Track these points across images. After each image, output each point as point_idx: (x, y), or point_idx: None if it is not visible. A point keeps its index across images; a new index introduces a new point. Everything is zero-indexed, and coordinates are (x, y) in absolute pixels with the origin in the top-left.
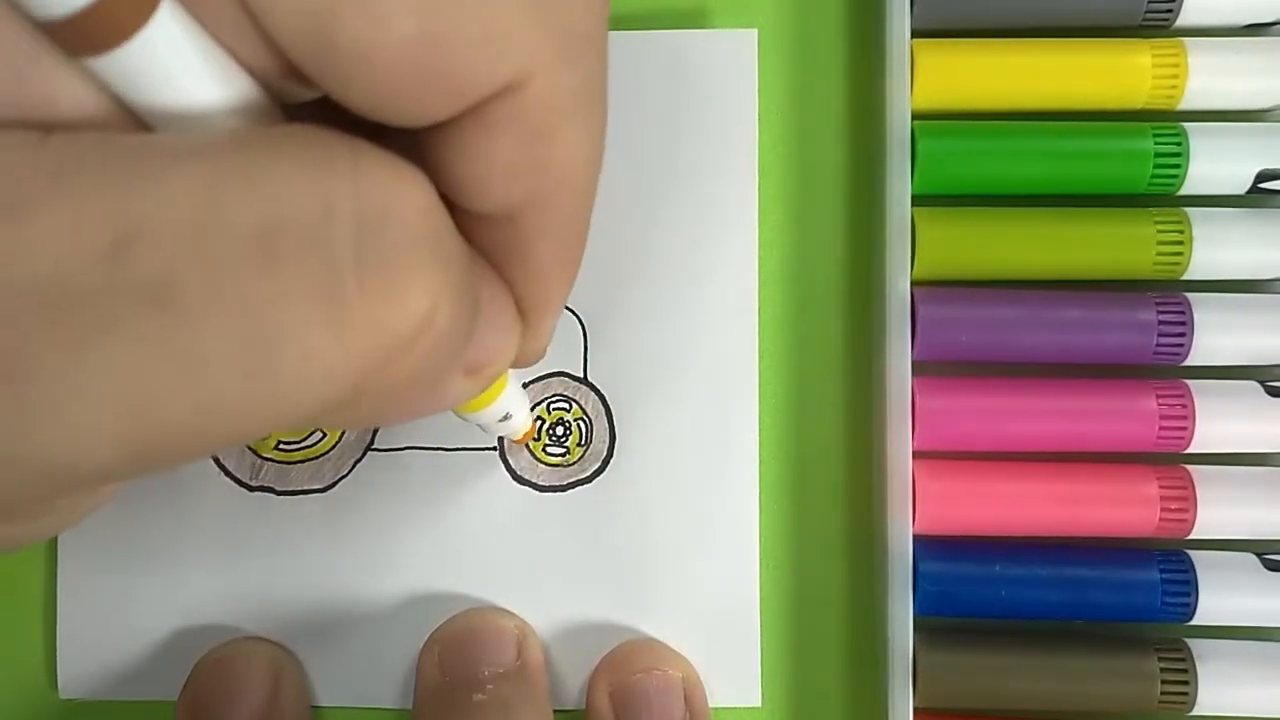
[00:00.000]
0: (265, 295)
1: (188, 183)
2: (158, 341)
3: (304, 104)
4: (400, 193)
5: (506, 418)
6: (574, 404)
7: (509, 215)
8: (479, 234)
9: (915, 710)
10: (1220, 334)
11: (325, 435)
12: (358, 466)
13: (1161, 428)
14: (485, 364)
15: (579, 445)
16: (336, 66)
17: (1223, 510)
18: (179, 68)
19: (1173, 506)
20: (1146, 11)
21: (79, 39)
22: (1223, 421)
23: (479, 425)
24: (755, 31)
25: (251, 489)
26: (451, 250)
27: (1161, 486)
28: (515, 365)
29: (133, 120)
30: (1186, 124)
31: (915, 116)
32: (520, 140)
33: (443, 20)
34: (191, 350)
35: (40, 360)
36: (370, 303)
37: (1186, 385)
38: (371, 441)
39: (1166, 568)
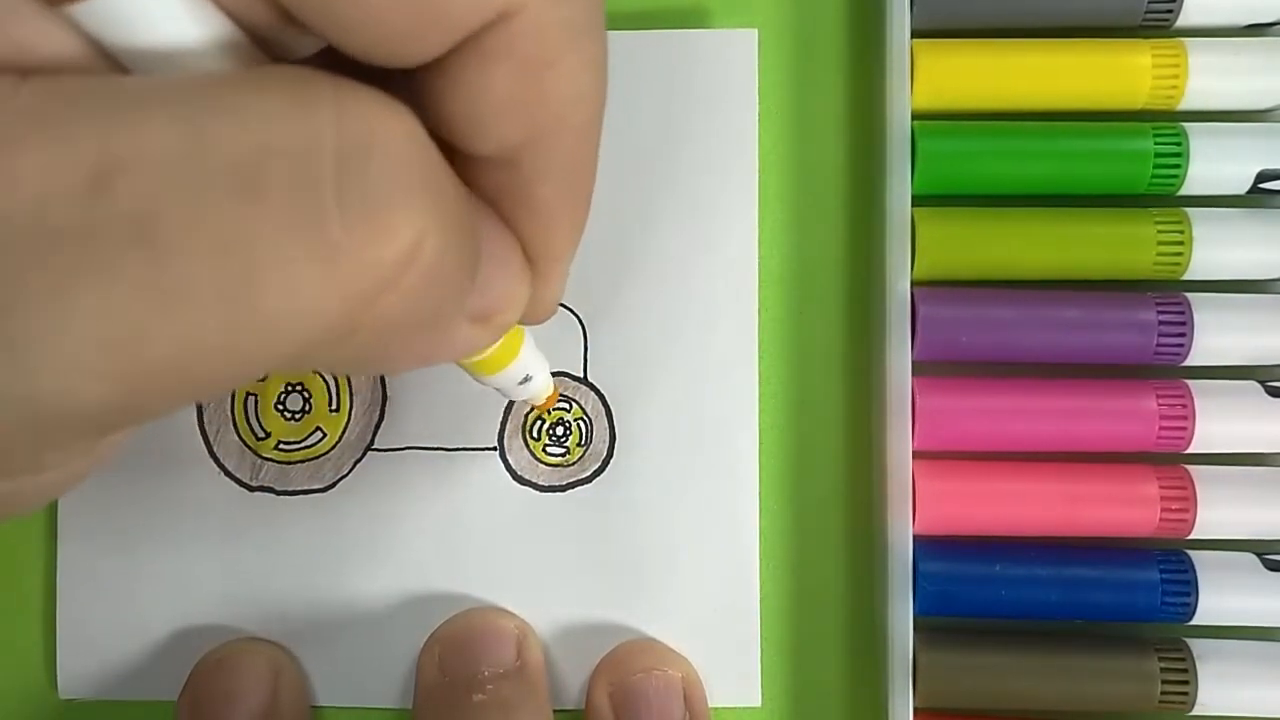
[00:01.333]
0: (247, 228)
1: (168, 118)
2: (140, 276)
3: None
4: (384, 124)
5: (527, 380)
6: (574, 404)
7: (509, 156)
8: (482, 180)
9: (915, 710)
10: (1220, 334)
11: (325, 435)
12: (358, 466)
13: (1161, 428)
14: (494, 311)
15: (579, 445)
16: (328, 5)
17: (1223, 510)
18: (160, 13)
19: (1173, 506)
20: (1146, 11)
21: None
22: (1223, 421)
23: (499, 390)
24: (755, 31)
25: (251, 489)
26: (441, 184)
27: (1161, 486)
28: (527, 321)
29: (113, 66)
30: (1186, 124)
31: (915, 116)
32: (516, 72)
33: None
34: (174, 285)
35: (23, 296)
36: (354, 233)
37: (1186, 385)
38: (371, 441)
39: (1166, 568)
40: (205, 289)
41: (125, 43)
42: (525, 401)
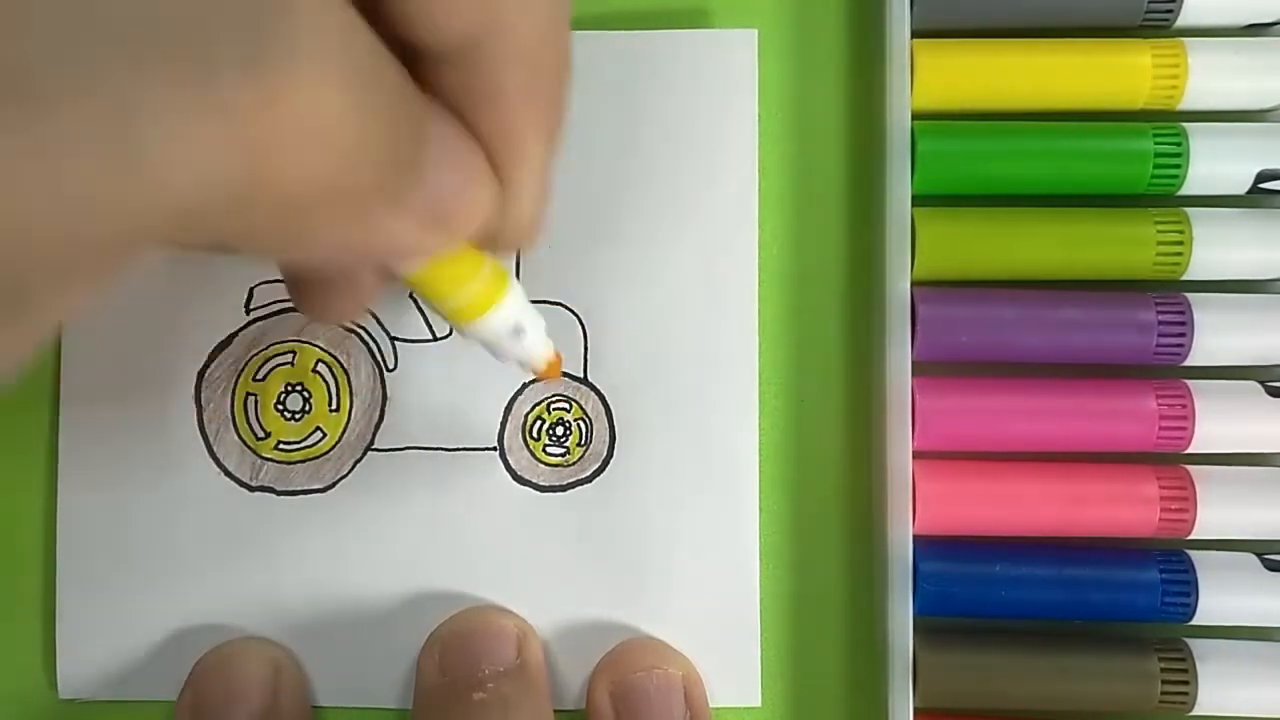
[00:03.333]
0: (127, 76)
1: None
2: (13, 125)
3: None
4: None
5: (519, 333)
6: (574, 404)
7: (469, 45)
8: (444, 80)
9: (915, 710)
10: (1220, 334)
11: (325, 435)
12: (358, 466)
13: (1161, 428)
14: (445, 212)
15: (579, 445)
16: None
17: (1223, 510)
18: None
19: (1173, 506)
20: (1146, 11)
21: None
22: (1223, 421)
23: (491, 349)
24: (755, 31)
25: (251, 489)
26: (367, 60)
27: (1161, 486)
28: (504, 245)
29: None
30: (1186, 124)
31: (915, 116)
32: None
33: None
34: (52, 138)
35: None
36: (245, 89)
37: (1186, 385)
38: (371, 441)
39: (1166, 568)
40: (86, 141)
41: None
42: (524, 368)
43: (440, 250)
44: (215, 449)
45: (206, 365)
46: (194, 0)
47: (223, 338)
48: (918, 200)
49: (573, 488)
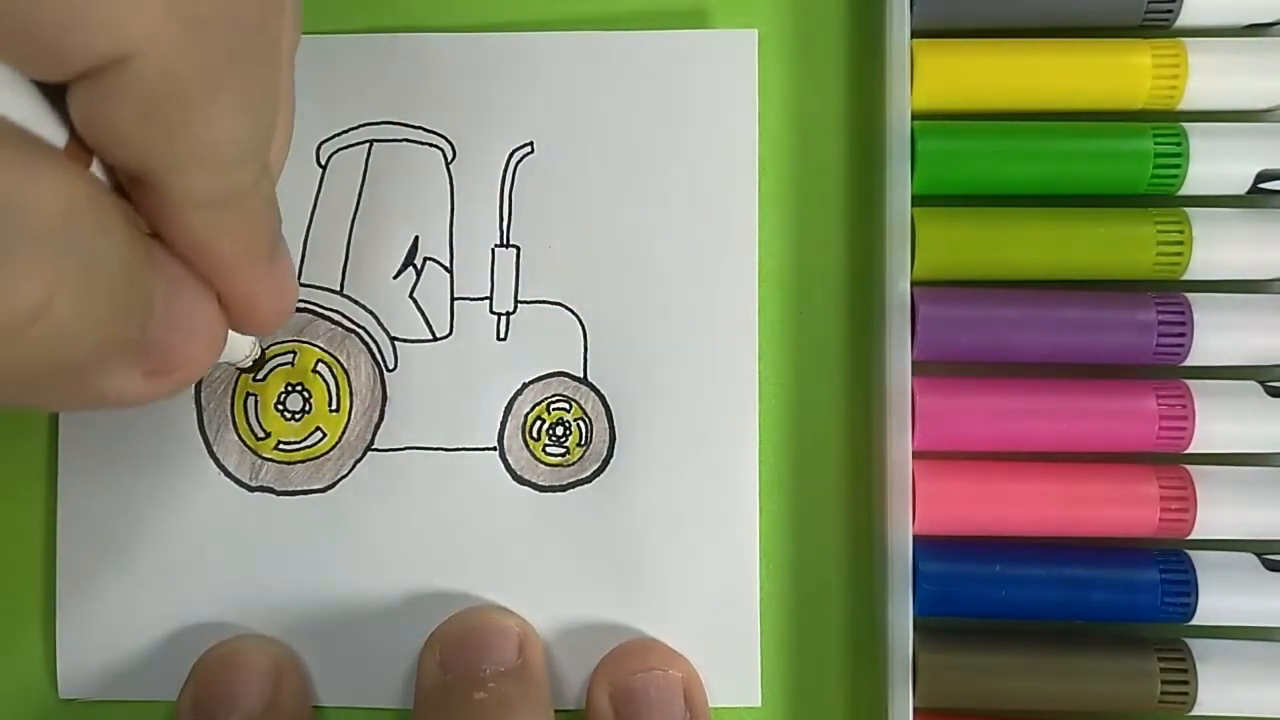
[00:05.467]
0: None
1: None
2: None
3: None
4: (32, 184)
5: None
6: (574, 404)
7: (149, 181)
8: (139, 200)
9: (915, 710)
10: (1220, 334)
11: (325, 435)
12: (358, 466)
13: (1161, 428)
14: (171, 367)
15: (579, 445)
16: None
17: (1223, 510)
18: None
19: (1173, 506)
20: (1146, 11)
21: None
22: (1223, 421)
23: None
24: (755, 31)
25: (251, 489)
26: (90, 248)
27: (1161, 486)
28: (248, 333)
29: None
30: (1186, 124)
31: (915, 116)
32: (138, 109)
33: None
34: None
35: None
36: None
37: (1186, 385)
38: (371, 441)
39: (1166, 568)
40: None
41: None
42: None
43: (172, 393)
44: (215, 449)
45: None
46: None
47: None
48: (918, 200)
49: (573, 488)
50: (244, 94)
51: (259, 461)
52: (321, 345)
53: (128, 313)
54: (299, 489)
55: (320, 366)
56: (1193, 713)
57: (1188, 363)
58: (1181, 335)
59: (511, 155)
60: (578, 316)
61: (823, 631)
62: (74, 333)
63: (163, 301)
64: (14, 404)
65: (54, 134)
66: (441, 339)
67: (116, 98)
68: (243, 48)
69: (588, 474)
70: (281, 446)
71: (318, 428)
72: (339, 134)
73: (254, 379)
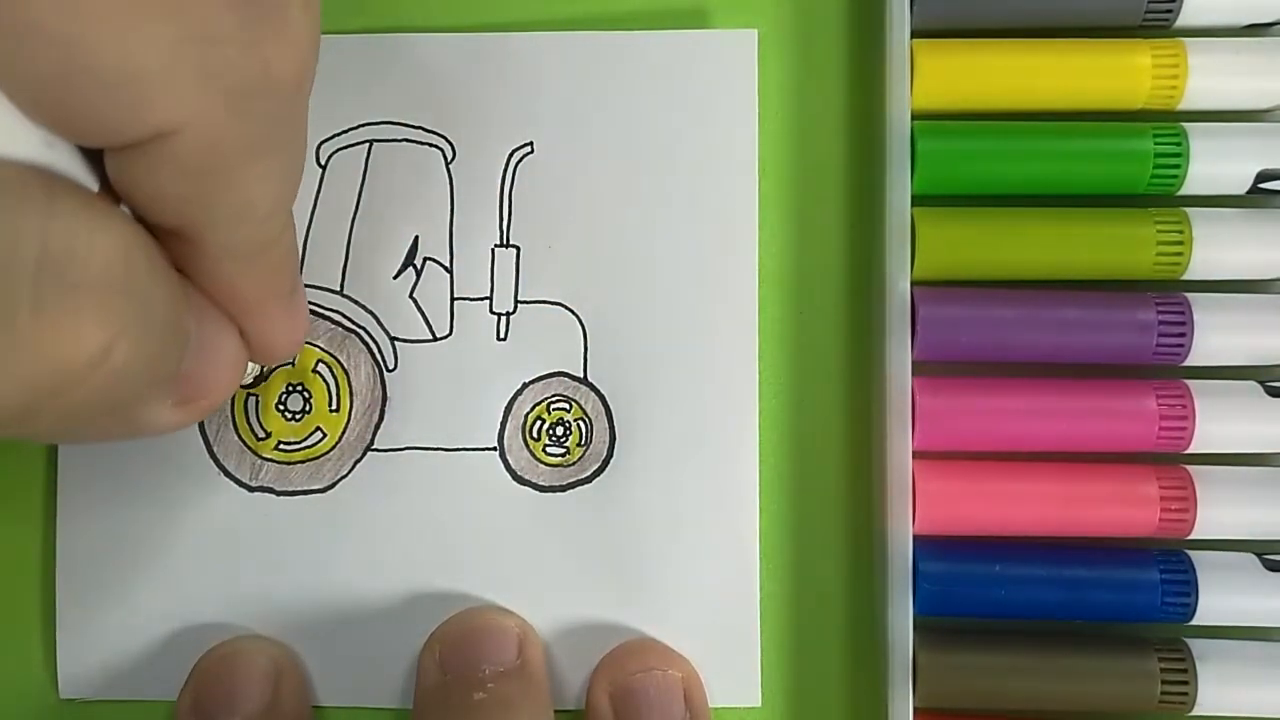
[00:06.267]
0: None
1: None
2: None
3: None
4: (89, 235)
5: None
6: (574, 404)
7: (186, 235)
8: (170, 247)
9: (915, 710)
10: (1220, 334)
11: (325, 435)
12: (358, 466)
13: (1161, 428)
14: (199, 395)
15: (579, 445)
16: (5, 85)
17: (1223, 510)
18: None
19: (1173, 506)
20: (1146, 11)
21: None
22: (1223, 421)
23: None
24: (755, 31)
25: (251, 489)
26: (144, 294)
27: (1161, 486)
28: (262, 363)
29: None
30: (1186, 124)
31: (915, 116)
32: (182, 177)
33: (81, 62)
34: None
35: None
36: (41, 335)
37: (1186, 385)
38: (371, 441)
39: (1166, 568)
40: None
41: None
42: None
43: (197, 420)
44: (215, 449)
45: None
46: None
47: None
48: (918, 200)
49: (573, 488)
50: (279, 157)
51: (259, 462)
52: (321, 345)
53: (173, 350)
54: (299, 489)
55: (320, 366)
56: (1193, 713)
57: (1188, 363)
58: (1181, 335)
59: (511, 155)
60: (578, 316)
61: (823, 631)
62: (130, 374)
63: (194, 335)
64: (61, 440)
65: (89, 183)
66: (441, 339)
67: (158, 167)
68: (278, 117)
69: (588, 474)
70: (281, 447)
71: (318, 428)
72: (339, 134)
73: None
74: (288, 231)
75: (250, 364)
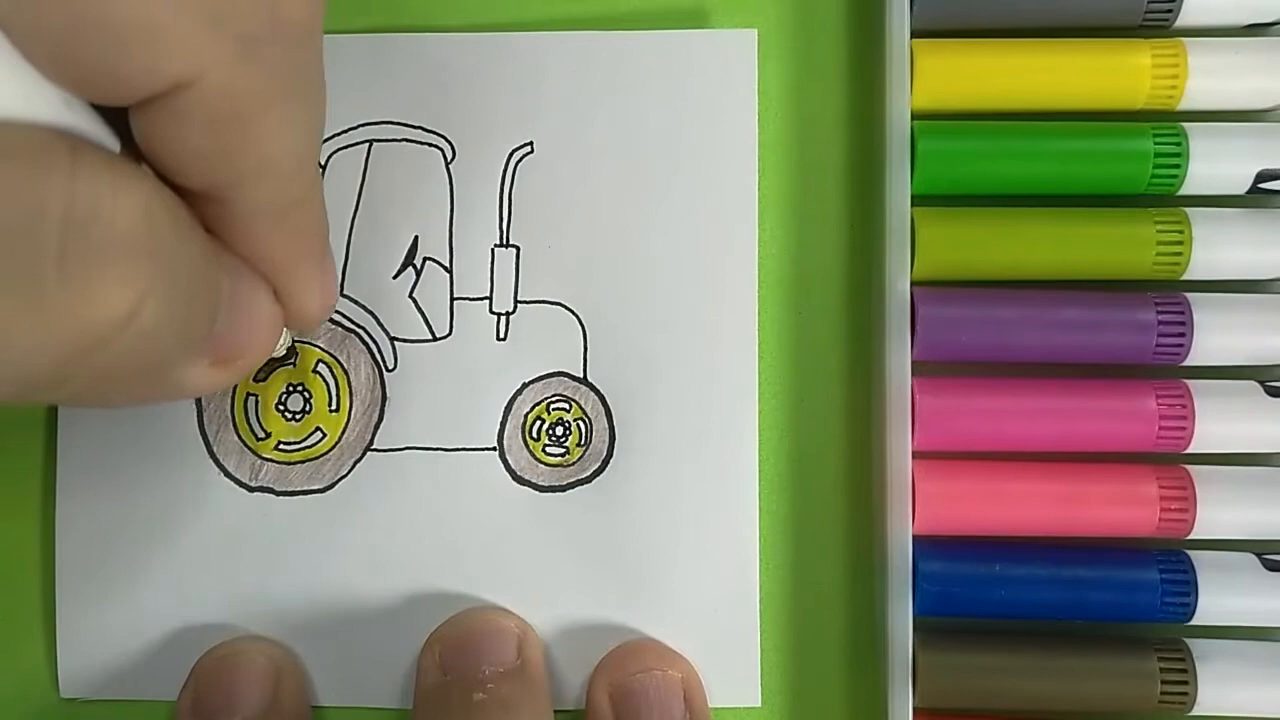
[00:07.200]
0: None
1: None
2: None
3: None
4: (113, 196)
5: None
6: (574, 404)
7: (216, 194)
8: (209, 214)
9: (915, 710)
10: (1220, 334)
11: (325, 435)
12: (357, 466)
13: (1161, 428)
14: (235, 355)
15: (579, 445)
16: (21, 45)
17: (1223, 510)
18: None
19: (1173, 506)
20: (1146, 11)
21: None
22: (1223, 421)
23: None
24: (755, 31)
25: (251, 489)
26: (170, 254)
27: (1161, 486)
28: (295, 329)
29: None
30: (1186, 124)
31: (915, 116)
32: (203, 129)
33: (91, 16)
34: None
35: None
36: (69, 296)
37: (1186, 385)
38: (371, 441)
39: (1166, 568)
40: None
41: None
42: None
43: (234, 381)
44: (215, 449)
45: None
46: (23, 206)
47: None
48: (918, 200)
49: (572, 488)
50: (298, 107)
51: (259, 462)
52: (321, 345)
53: (204, 309)
54: (299, 489)
55: (320, 366)
56: (1193, 713)
57: (1188, 363)
58: (1181, 335)
59: (511, 155)
60: (578, 316)
61: (823, 631)
62: (160, 334)
63: (228, 294)
64: (96, 403)
65: (110, 145)
66: (441, 339)
67: (178, 121)
68: (292, 62)
69: (588, 474)
70: (281, 447)
71: (317, 428)
72: (339, 134)
73: (254, 379)
74: (315, 191)
75: (284, 336)
